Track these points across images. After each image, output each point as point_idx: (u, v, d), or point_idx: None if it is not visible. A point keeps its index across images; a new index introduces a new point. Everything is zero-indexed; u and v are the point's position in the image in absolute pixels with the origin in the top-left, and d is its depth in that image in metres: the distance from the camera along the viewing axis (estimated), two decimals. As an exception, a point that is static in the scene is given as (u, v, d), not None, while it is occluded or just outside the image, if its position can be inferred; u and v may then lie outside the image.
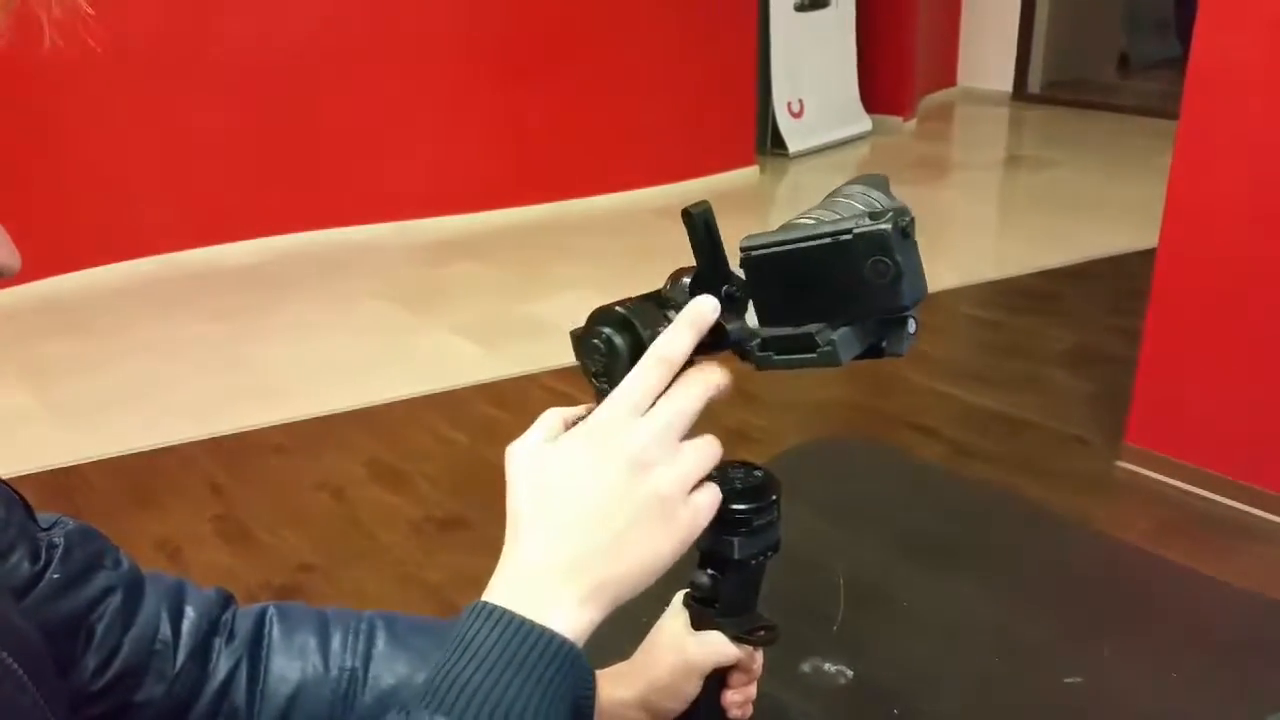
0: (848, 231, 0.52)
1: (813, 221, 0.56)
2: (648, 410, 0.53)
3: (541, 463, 0.55)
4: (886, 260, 0.52)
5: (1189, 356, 2.54)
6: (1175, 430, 2.62)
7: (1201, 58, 2.33)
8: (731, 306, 0.58)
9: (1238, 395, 2.47)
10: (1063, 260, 4.24)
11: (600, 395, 0.55)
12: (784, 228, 0.56)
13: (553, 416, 0.57)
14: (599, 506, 0.52)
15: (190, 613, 0.70)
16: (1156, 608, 1.04)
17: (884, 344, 0.57)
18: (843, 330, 0.55)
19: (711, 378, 0.55)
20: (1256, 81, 2.25)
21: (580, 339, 0.58)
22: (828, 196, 0.60)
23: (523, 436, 0.56)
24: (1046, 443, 2.89)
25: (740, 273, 0.58)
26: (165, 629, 0.68)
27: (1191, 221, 2.45)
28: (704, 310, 0.55)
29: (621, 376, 0.54)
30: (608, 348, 0.54)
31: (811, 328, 0.55)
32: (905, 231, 0.52)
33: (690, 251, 0.58)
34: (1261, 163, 2.29)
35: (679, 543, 0.53)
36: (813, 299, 0.55)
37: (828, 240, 0.53)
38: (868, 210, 0.56)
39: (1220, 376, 2.49)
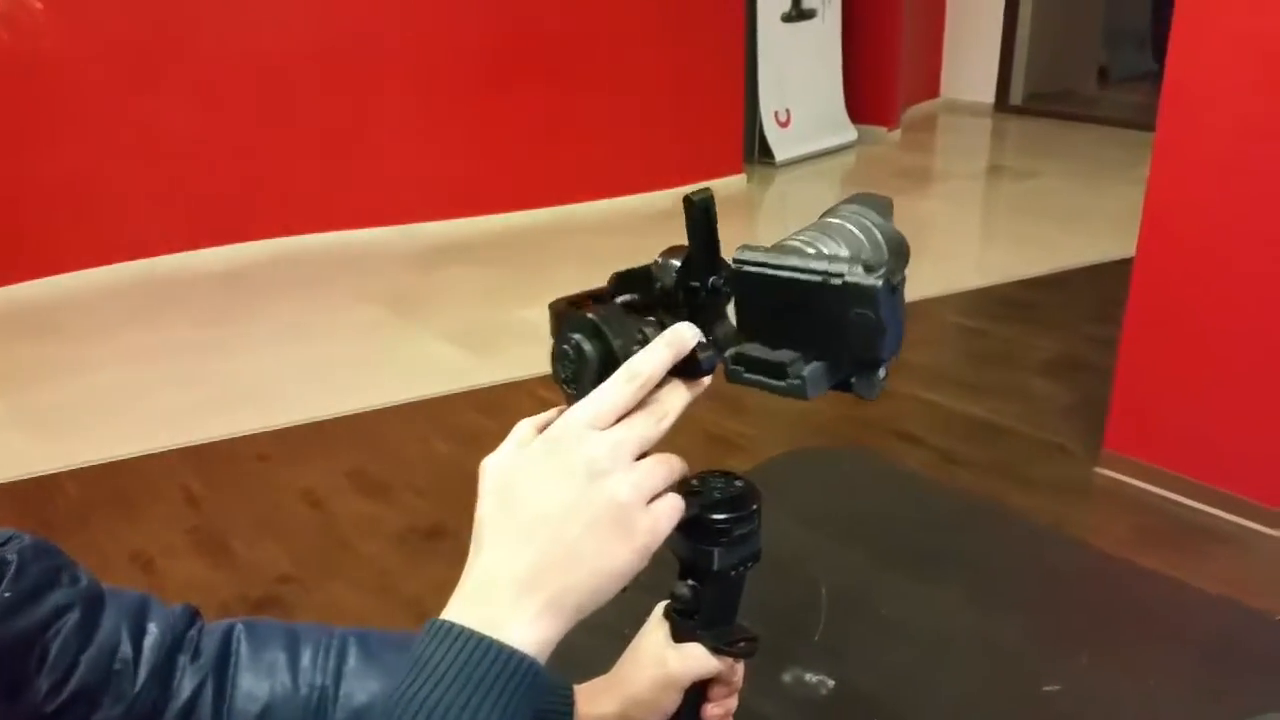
0: (839, 276, 0.52)
1: (810, 249, 0.56)
2: (610, 425, 0.53)
3: (504, 474, 0.55)
4: (871, 314, 0.52)
5: (1165, 364, 2.56)
6: (1153, 437, 2.64)
7: (1176, 71, 2.35)
8: (715, 299, 0.58)
9: (1213, 403, 2.49)
10: (1044, 269, 4.27)
11: (570, 401, 0.55)
12: (778, 248, 0.56)
13: (524, 427, 0.57)
14: (554, 515, 0.51)
15: (153, 629, 0.68)
16: (1134, 615, 1.04)
17: (853, 382, 0.57)
18: (815, 365, 0.55)
19: (677, 404, 0.55)
20: (1229, 94, 2.27)
21: (557, 317, 0.58)
22: (824, 215, 0.60)
23: (497, 449, 0.56)
24: (1028, 450, 2.90)
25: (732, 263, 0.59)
26: (125, 647, 0.66)
27: (1168, 232, 2.47)
28: (684, 336, 0.55)
29: (590, 383, 0.54)
30: (577, 354, 0.54)
31: (785, 356, 0.55)
32: (895, 289, 0.52)
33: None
34: (1235, 174, 2.31)
35: (639, 550, 0.52)
36: (793, 327, 0.55)
37: (818, 279, 0.53)
38: (865, 251, 0.56)
39: (1196, 384, 2.51)
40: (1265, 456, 2.44)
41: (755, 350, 0.56)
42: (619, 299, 0.61)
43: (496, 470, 0.55)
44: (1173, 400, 2.57)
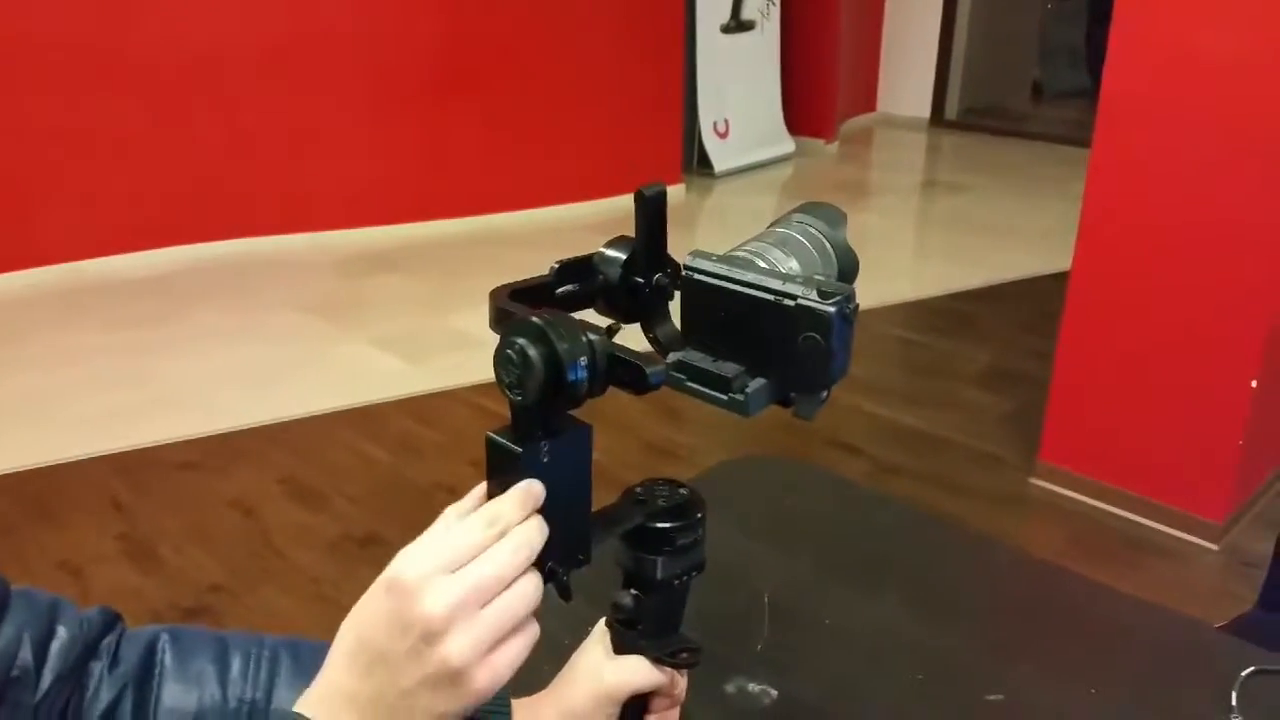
0: (793, 297, 0.51)
1: (761, 261, 0.55)
2: (459, 569, 0.53)
3: (373, 596, 0.54)
4: (821, 340, 0.51)
5: (1100, 377, 2.62)
6: (1088, 449, 2.69)
7: (1113, 87, 2.40)
8: (659, 297, 0.58)
9: (1147, 415, 2.55)
10: (979, 282, 4.35)
11: (513, 406, 0.54)
12: (729, 259, 0.55)
13: (446, 518, 0.56)
14: (391, 662, 0.53)
15: (62, 633, 0.65)
16: (1076, 624, 1.05)
17: (794, 399, 0.56)
18: (758, 382, 0.54)
19: (533, 540, 0.54)
20: (1166, 110, 2.33)
21: (499, 310, 0.56)
22: (774, 224, 0.59)
23: (414, 547, 0.55)
24: (964, 460, 2.94)
25: (676, 258, 0.58)
26: (25, 654, 0.63)
27: (1103, 246, 2.52)
28: (536, 494, 0.54)
29: (534, 389, 0.52)
30: (521, 359, 0.52)
31: (729, 370, 0.54)
32: (847, 317, 0.51)
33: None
34: (1171, 190, 2.37)
35: (472, 699, 0.53)
36: (740, 341, 0.54)
37: (770, 297, 0.52)
38: (816, 265, 0.56)
39: (1131, 396, 2.57)
40: (1198, 469, 2.50)
41: (698, 359, 0.55)
42: (560, 290, 0.59)
43: (383, 581, 0.54)
44: (1107, 412, 2.63)
